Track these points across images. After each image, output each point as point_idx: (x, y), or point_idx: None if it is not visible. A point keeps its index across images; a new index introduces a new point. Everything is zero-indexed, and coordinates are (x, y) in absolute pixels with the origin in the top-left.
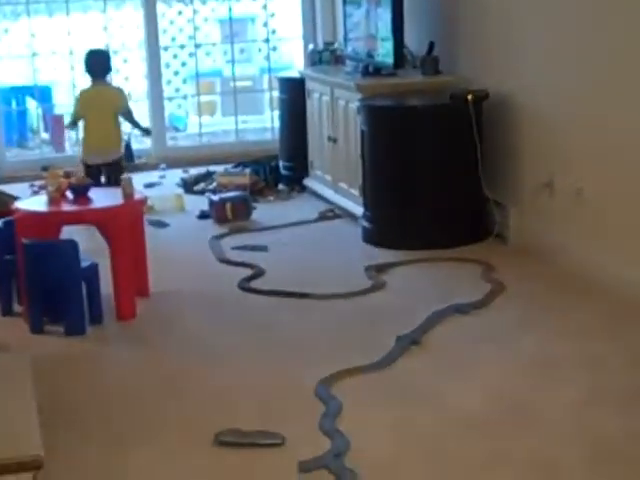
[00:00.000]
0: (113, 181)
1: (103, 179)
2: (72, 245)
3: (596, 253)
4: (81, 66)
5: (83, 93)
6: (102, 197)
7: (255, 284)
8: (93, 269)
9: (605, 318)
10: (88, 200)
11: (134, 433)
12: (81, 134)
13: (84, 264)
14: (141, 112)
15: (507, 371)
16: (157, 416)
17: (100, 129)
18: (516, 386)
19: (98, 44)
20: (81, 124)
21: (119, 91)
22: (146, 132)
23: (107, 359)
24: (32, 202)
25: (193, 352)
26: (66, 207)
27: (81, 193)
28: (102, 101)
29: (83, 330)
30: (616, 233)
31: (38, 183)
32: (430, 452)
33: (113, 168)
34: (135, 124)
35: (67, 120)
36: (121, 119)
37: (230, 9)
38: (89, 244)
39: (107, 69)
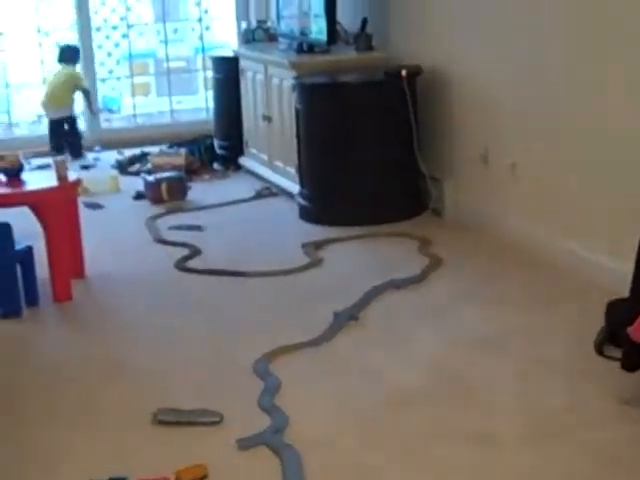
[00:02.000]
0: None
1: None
2: (6, 228)
3: (530, 225)
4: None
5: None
6: (36, 179)
7: (192, 264)
8: (28, 252)
9: (542, 290)
10: (21, 182)
11: (72, 414)
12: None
13: (19, 247)
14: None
15: (445, 345)
16: (95, 397)
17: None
18: (454, 360)
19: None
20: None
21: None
22: (94, 113)
23: (44, 341)
24: None
25: (130, 333)
26: None
27: (14, 175)
28: (66, 76)
29: (19, 313)
30: (548, 206)
31: None
32: (368, 427)
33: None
34: (89, 103)
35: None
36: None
37: None
38: (23, 227)
39: (76, 59)
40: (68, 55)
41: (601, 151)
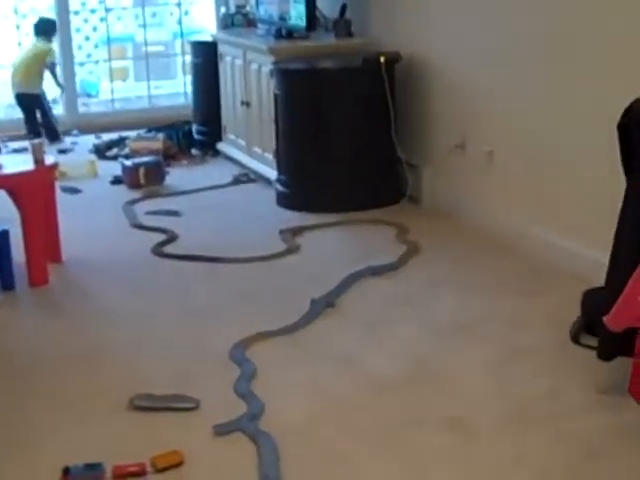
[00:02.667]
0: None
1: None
2: None
3: (507, 213)
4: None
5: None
6: (12, 163)
7: (169, 249)
8: (4, 235)
9: (519, 277)
10: None
11: (47, 399)
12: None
13: None
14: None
15: (422, 332)
16: (71, 381)
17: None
18: (431, 347)
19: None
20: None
21: (52, 50)
22: (61, 87)
23: (19, 325)
24: None
25: (106, 317)
26: None
27: None
28: (37, 51)
29: None
30: (526, 193)
31: None
32: (344, 414)
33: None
34: (55, 78)
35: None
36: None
37: None
38: None
39: (51, 33)
40: (43, 28)
41: (579, 139)
